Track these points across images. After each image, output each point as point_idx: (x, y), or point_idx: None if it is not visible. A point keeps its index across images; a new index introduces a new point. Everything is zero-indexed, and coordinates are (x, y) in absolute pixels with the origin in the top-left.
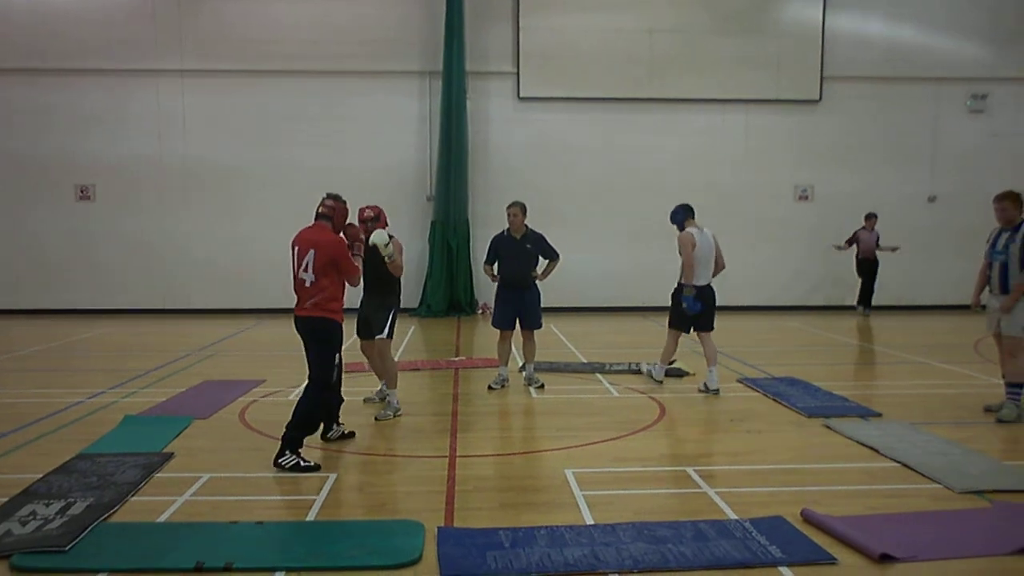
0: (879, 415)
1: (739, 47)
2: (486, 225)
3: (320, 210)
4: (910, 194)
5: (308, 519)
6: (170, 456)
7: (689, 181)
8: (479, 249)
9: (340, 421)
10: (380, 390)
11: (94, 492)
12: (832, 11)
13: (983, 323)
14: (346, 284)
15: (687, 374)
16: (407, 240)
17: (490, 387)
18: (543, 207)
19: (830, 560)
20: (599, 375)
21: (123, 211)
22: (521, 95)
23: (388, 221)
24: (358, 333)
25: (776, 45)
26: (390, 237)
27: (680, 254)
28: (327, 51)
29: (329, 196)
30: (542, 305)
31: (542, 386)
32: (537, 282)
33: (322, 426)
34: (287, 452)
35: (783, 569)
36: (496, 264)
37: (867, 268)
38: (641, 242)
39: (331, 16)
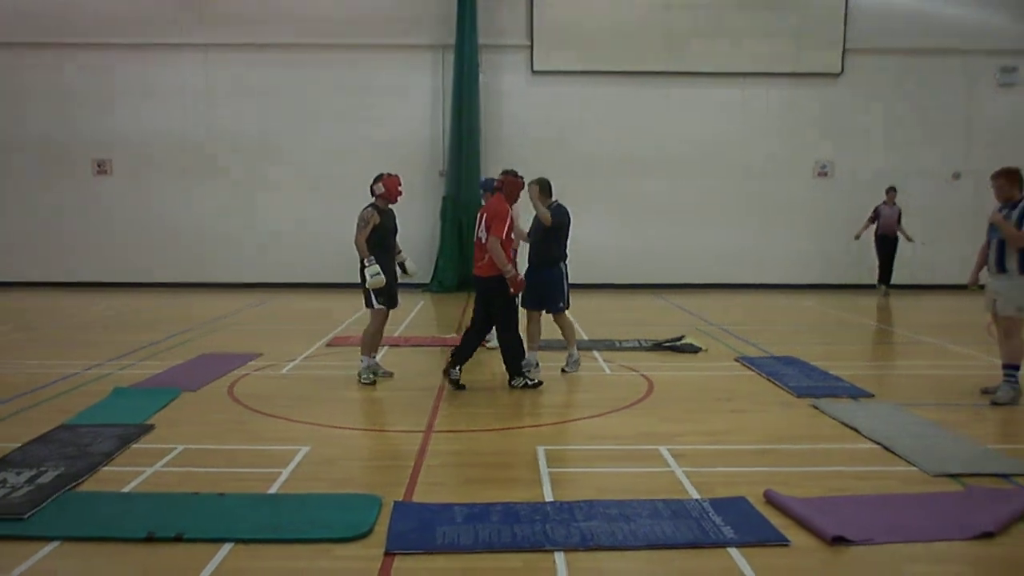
0: (871, 396)
1: (758, 19)
2: None
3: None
4: (934, 171)
5: (270, 492)
6: (150, 428)
7: (705, 156)
8: None
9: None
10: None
11: (67, 462)
12: None
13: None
14: (517, 243)
15: (700, 349)
16: (419, 215)
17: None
18: (555, 182)
19: (782, 541)
20: (595, 352)
21: (141, 185)
22: (535, 69)
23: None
24: None
25: (796, 17)
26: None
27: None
28: (342, 25)
29: (504, 172)
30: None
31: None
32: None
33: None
34: (516, 377)
35: (732, 550)
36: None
37: (887, 245)
38: (655, 219)
39: None
